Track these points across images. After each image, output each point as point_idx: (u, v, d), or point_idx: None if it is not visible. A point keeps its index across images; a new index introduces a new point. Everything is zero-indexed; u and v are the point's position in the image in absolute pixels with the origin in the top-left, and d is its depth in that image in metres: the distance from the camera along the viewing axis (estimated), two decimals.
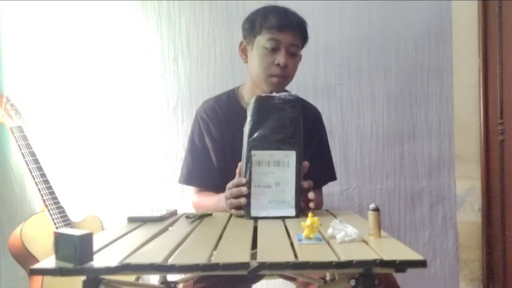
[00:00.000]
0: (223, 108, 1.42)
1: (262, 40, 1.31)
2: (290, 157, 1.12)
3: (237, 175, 1.16)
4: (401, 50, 1.98)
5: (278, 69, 1.30)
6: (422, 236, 1.98)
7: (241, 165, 1.15)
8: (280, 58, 1.29)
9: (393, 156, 1.99)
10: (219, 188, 1.27)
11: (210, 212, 1.21)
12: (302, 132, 1.14)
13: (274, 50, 1.30)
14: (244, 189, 1.11)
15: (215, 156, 1.40)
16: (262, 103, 1.16)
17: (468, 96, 1.97)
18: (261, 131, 1.13)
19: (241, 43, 1.40)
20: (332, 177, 1.49)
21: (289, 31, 1.30)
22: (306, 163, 1.15)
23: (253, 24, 1.33)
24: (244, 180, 1.12)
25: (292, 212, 1.10)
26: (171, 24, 1.99)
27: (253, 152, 1.12)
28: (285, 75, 1.32)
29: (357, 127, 1.99)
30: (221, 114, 1.41)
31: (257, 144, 1.12)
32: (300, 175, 1.12)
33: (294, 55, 1.33)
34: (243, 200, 1.11)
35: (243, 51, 1.39)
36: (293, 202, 1.10)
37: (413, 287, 1.94)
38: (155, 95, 1.99)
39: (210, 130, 1.40)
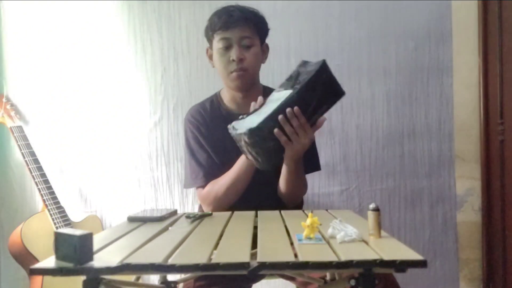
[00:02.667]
0: (208, 112, 1.48)
1: (215, 43, 1.41)
2: (286, 93, 1.19)
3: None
4: (401, 50, 1.98)
5: (234, 65, 1.38)
6: (422, 236, 1.98)
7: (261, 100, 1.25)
8: (233, 54, 1.37)
9: (393, 156, 1.98)
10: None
11: (210, 212, 1.22)
12: (308, 82, 1.17)
13: (228, 48, 1.38)
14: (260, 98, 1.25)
15: (213, 152, 1.44)
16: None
17: (468, 96, 1.97)
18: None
19: (207, 50, 1.48)
20: (316, 167, 1.53)
21: (236, 26, 1.37)
22: (324, 118, 1.23)
23: (207, 32, 1.44)
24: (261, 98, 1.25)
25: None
26: (171, 24, 1.99)
27: (275, 91, 1.25)
28: (244, 68, 1.39)
29: (357, 127, 1.99)
30: (207, 117, 1.47)
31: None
32: (284, 109, 1.15)
33: (249, 47, 1.39)
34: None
35: (210, 57, 1.47)
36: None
37: (413, 287, 1.94)
38: (155, 95, 1.99)
39: (201, 130, 1.46)
